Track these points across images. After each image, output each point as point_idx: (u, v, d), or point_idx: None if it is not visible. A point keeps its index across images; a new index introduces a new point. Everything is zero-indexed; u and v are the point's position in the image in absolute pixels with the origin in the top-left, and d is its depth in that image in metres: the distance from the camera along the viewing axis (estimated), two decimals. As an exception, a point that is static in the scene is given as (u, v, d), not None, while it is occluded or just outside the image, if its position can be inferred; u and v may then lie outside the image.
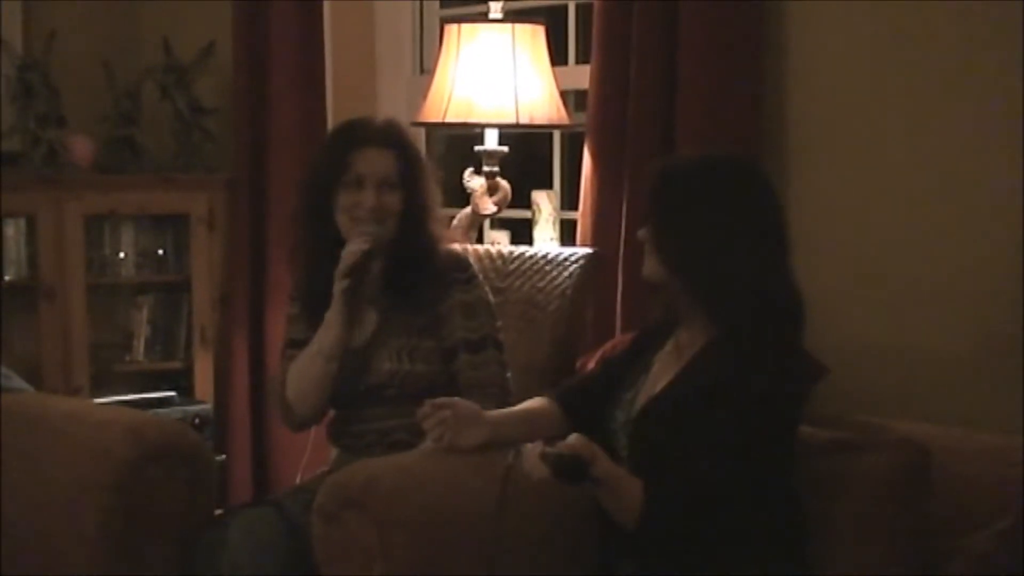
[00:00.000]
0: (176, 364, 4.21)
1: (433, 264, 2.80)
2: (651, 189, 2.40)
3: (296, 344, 2.87)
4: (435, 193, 2.87)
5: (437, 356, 2.77)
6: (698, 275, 2.33)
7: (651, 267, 2.40)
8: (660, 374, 2.43)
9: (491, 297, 2.85)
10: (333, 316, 2.76)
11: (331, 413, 2.90)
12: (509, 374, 2.80)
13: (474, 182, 3.50)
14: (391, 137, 2.82)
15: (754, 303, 2.29)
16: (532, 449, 2.33)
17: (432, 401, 2.49)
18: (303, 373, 2.82)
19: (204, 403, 4.04)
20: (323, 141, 2.92)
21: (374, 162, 2.78)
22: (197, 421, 3.87)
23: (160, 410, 3.82)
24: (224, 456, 3.92)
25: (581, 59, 3.67)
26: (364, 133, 2.82)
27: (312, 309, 2.82)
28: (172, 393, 4.05)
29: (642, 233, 2.42)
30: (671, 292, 2.41)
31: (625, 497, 2.23)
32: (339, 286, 2.73)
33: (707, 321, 2.36)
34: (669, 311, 2.48)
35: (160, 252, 4.24)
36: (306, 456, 3.09)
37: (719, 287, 2.31)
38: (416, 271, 2.79)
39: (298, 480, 2.94)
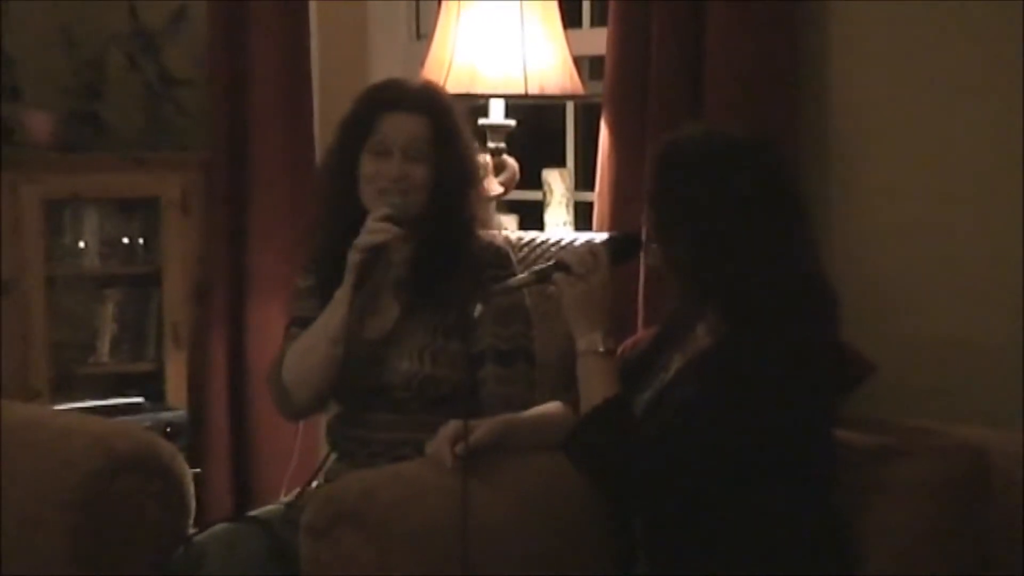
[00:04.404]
0: (146, 366, 4.20)
1: (467, 252, 2.80)
2: (652, 173, 2.40)
3: (302, 322, 2.86)
4: (475, 170, 2.88)
5: (463, 361, 2.76)
6: (708, 274, 2.33)
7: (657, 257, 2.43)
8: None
9: (528, 300, 2.85)
10: (343, 294, 2.74)
11: (331, 412, 2.91)
12: (538, 392, 2.79)
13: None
14: (425, 102, 2.83)
15: (774, 299, 2.30)
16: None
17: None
18: (304, 356, 2.80)
19: (177, 409, 4.05)
20: (353, 102, 2.90)
21: (401, 128, 2.79)
22: (169, 430, 3.88)
23: (128, 418, 3.85)
24: (200, 469, 3.93)
25: (597, 21, 3.67)
26: (395, 95, 2.83)
27: (328, 284, 2.81)
28: (141, 399, 4.06)
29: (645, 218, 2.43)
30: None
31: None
32: (353, 258, 2.72)
33: (720, 317, 2.37)
34: (688, 301, 2.48)
35: (127, 241, 4.21)
36: (292, 467, 3.10)
37: (732, 285, 2.32)
38: (447, 258, 2.79)
39: (283, 495, 2.94)
